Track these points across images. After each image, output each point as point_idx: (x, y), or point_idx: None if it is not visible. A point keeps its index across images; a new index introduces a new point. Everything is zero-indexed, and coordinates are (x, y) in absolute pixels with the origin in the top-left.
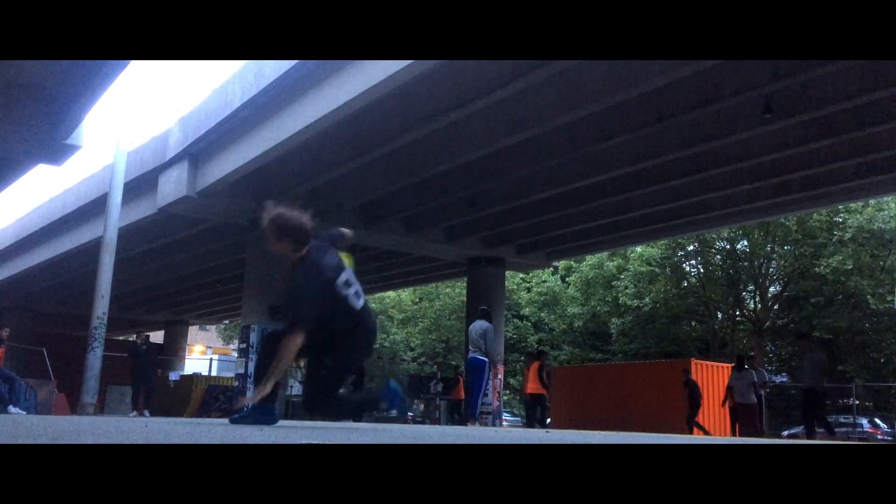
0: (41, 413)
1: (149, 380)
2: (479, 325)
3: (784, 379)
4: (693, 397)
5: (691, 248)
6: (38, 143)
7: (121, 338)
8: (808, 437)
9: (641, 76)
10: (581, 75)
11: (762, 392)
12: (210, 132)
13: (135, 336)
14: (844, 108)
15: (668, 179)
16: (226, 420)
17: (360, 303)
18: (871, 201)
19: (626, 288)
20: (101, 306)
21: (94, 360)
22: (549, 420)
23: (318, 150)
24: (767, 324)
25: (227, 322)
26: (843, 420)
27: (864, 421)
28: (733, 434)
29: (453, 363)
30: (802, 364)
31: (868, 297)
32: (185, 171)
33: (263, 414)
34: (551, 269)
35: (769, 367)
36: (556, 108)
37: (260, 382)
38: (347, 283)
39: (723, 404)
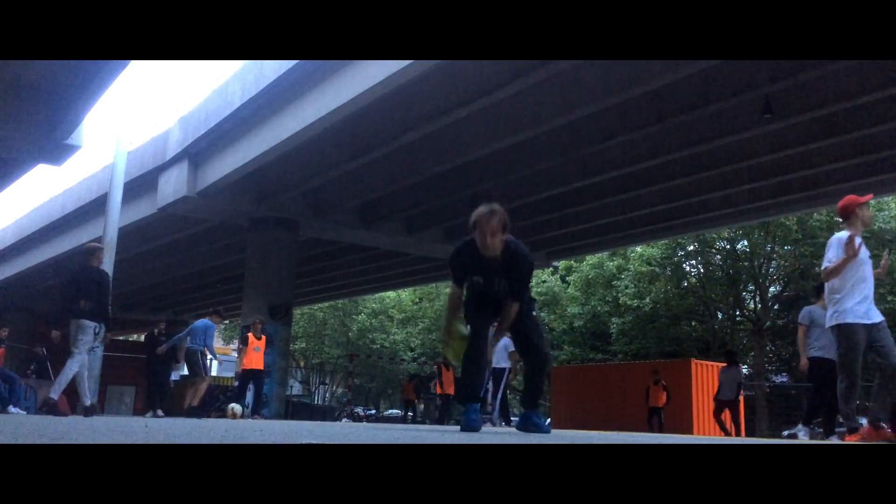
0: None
1: (160, 375)
2: None
3: (784, 379)
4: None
5: (691, 248)
6: (38, 143)
7: (120, 338)
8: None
9: (641, 76)
10: (581, 75)
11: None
12: (210, 132)
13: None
14: (844, 108)
15: (668, 179)
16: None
17: None
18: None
19: (626, 288)
20: None
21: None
22: (549, 420)
23: (318, 150)
24: (767, 324)
25: (227, 322)
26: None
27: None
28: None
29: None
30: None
31: None
32: (185, 171)
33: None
34: (551, 269)
35: (769, 367)
36: (555, 108)
37: None
38: None
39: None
